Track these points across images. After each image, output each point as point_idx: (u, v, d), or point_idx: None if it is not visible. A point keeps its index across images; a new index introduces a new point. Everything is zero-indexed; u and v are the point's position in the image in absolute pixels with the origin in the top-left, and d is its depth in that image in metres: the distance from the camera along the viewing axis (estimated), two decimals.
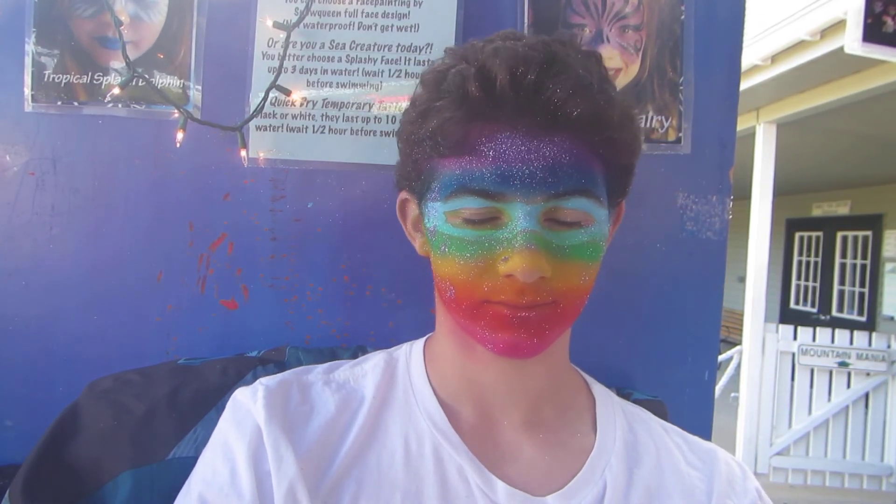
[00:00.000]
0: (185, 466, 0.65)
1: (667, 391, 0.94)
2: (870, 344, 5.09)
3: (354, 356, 0.85)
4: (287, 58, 0.90)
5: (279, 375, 0.69)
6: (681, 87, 0.96)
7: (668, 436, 0.75)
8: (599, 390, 0.77)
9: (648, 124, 0.96)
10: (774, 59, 4.61)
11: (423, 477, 0.64)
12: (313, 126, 0.92)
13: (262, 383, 0.67)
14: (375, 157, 0.92)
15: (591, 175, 0.62)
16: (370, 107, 0.92)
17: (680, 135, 0.96)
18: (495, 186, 0.60)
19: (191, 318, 0.91)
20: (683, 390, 0.98)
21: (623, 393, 0.88)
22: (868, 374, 5.07)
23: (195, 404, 0.77)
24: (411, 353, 0.74)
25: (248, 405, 0.64)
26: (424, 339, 0.76)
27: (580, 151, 0.61)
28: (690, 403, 0.97)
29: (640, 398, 0.89)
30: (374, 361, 0.73)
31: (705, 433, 0.97)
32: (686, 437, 0.76)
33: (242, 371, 0.81)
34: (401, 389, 0.70)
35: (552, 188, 0.59)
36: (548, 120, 0.59)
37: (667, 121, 0.96)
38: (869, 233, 7.91)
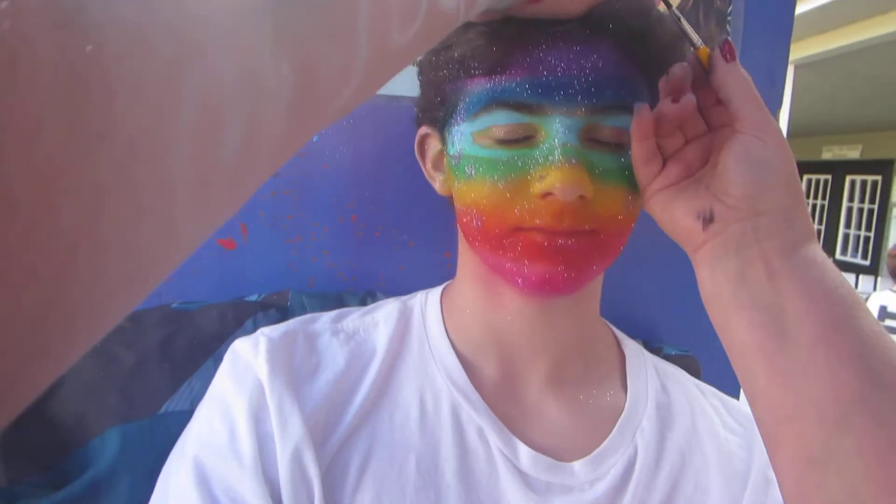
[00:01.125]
0: (180, 422, 0.60)
1: (695, 344, 0.88)
2: (875, 289, 5.08)
3: (363, 302, 0.79)
4: None
5: (282, 325, 0.62)
6: (729, 18, 0.87)
7: (705, 397, 0.69)
8: (630, 346, 0.71)
9: None
10: None
11: (439, 438, 0.58)
12: None
13: (265, 334, 0.60)
14: (387, 87, 0.84)
15: (638, 88, 0.55)
16: None
17: None
18: (532, 98, 0.53)
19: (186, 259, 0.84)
20: (713, 343, 0.91)
21: (652, 348, 0.82)
22: None
23: (190, 354, 0.70)
24: (427, 303, 0.67)
25: (248, 358, 0.58)
26: (442, 287, 0.69)
27: (626, 64, 0.54)
28: (720, 357, 0.91)
29: (670, 353, 0.83)
30: (386, 310, 0.66)
31: (734, 390, 0.91)
32: (724, 400, 0.70)
33: (241, 317, 0.75)
34: (416, 342, 0.64)
35: (595, 99, 0.53)
36: (592, 30, 0.53)
37: None
38: (878, 177, 7.81)
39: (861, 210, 8.12)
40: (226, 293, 0.82)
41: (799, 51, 4.94)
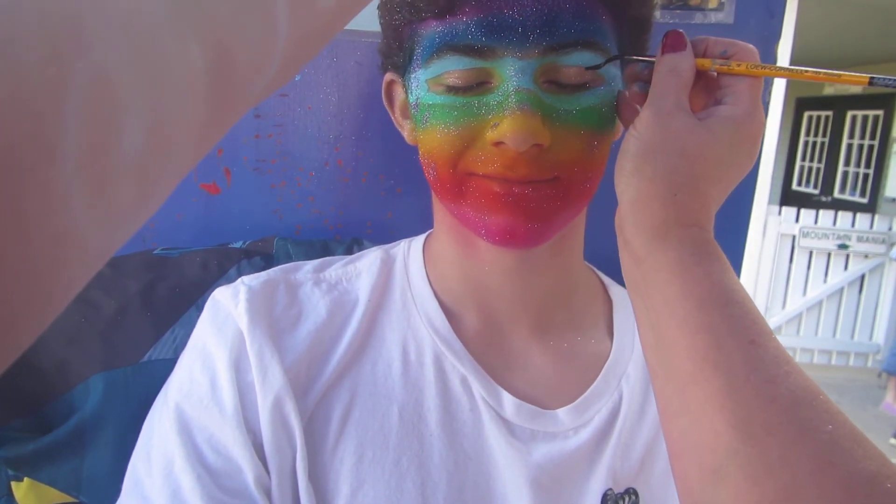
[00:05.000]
0: (164, 370, 0.60)
1: None
2: (872, 226, 5.07)
3: (349, 250, 0.78)
4: None
5: (263, 274, 0.61)
6: None
7: None
8: (618, 292, 0.70)
9: None
10: None
11: (422, 388, 0.58)
12: None
13: (245, 283, 0.59)
14: (372, 23, 0.80)
15: (597, 24, 0.52)
16: None
17: (723, 1, 0.84)
18: (482, 39, 0.50)
19: (169, 203, 0.82)
20: None
21: None
22: (866, 257, 5.09)
23: (172, 302, 0.70)
24: (410, 252, 0.66)
25: (228, 308, 0.57)
26: (425, 235, 0.68)
27: None
28: None
29: None
30: (369, 259, 0.65)
31: None
32: None
33: (225, 265, 0.73)
34: (398, 292, 0.63)
35: (549, 37, 0.50)
36: None
37: None
38: (881, 112, 7.70)
39: (861, 147, 8.04)
40: (210, 239, 0.81)
41: None
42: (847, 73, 0.49)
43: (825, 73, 0.50)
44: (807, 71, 0.50)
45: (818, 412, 0.38)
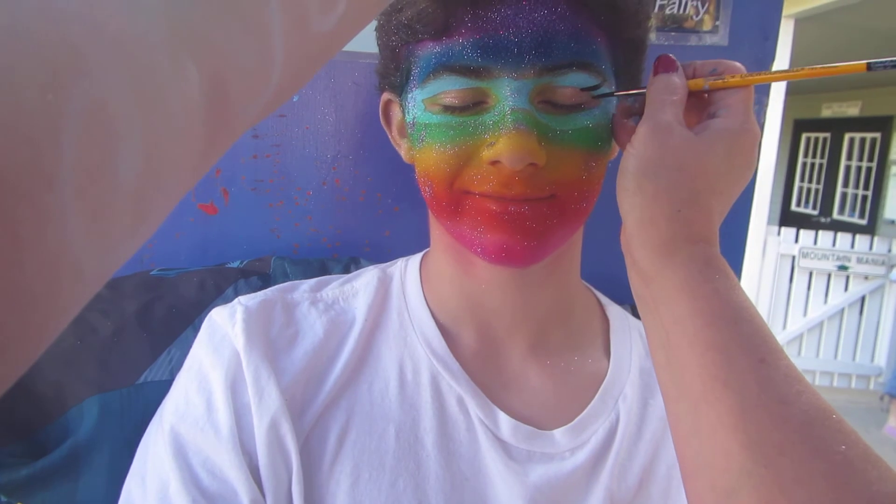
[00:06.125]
0: (159, 391, 0.59)
1: None
2: (871, 248, 5.07)
3: (347, 269, 0.78)
4: None
5: (261, 294, 0.61)
6: None
7: None
8: (615, 311, 0.70)
9: (681, 10, 0.84)
10: None
11: (419, 408, 0.57)
12: None
13: (242, 303, 0.59)
14: (370, 45, 0.81)
15: (592, 46, 0.53)
16: None
17: (717, 23, 0.84)
18: (478, 60, 0.51)
19: (167, 223, 0.82)
20: None
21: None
22: (866, 278, 5.08)
23: (169, 322, 0.69)
24: (406, 271, 0.66)
25: (225, 328, 0.57)
26: (422, 254, 0.68)
27: (577, 17, 0.52)
28: None
29: None
30: (366, 279, 0.65)
31: None
32: None
33: (222, 285, 0.73)
34: (395, 311, 0.63)
35: (545, 59, 0.51)
36: None
37: (703, 6, 0.84)
38: (878, 135, 7.74)
39: (859, 168, 8.06)
40: (208, 259, 0.81)
41: (800, 3, 4.84)
42: (844, 63, 0.48)
43: (821, 68, 0.49)
44: (801, 70, 0.50)
45: (831, 432, 0.38)
